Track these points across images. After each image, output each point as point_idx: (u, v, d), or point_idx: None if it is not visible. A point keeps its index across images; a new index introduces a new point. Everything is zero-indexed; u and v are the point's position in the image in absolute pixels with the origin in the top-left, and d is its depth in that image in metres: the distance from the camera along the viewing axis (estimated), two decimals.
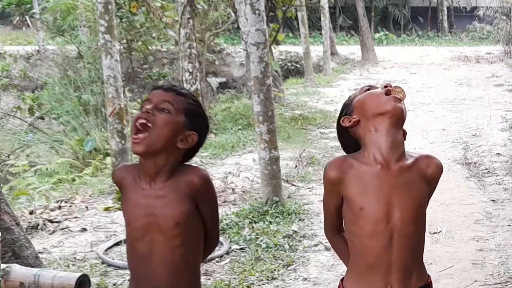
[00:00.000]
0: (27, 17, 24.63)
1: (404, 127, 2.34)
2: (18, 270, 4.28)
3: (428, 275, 2.43)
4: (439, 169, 2.34)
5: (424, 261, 2.44)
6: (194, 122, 2.39)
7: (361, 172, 2.27)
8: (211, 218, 2.48)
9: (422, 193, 2.31)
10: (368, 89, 2.35)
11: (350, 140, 2.39)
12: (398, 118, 2.26)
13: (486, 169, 8.17)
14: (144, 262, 2.37)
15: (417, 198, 2.29)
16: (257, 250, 5.47)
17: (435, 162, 2.34)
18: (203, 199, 2.40)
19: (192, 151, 2.45)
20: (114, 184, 2.51)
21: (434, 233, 5.95)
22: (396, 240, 2.26)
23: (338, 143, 2.58)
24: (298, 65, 19.71)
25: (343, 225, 2.41)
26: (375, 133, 2.26)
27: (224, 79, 18.20)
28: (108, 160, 8.74)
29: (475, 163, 8.46)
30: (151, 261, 2.35)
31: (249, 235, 5.82)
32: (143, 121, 2.29)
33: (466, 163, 8.49)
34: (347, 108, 2.40)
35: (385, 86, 2.29)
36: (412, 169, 2.29)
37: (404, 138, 2.33)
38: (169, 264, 2.35)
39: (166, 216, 2.32)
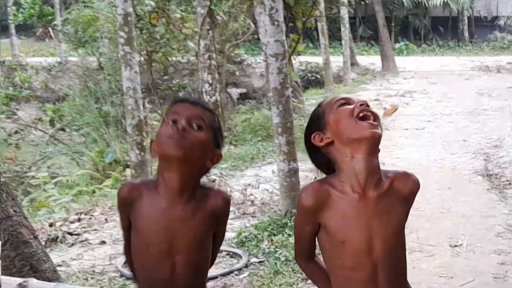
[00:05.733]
0: (49, 29, 24.87)
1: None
2: (35, 285, 4.25)
3: None
4: (416, 186, 2.26)
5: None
6: (217, 138, 2.35)
7: (339, 202, 2.17)
8: (221, 237, 2.46)
9: (401, 216, 2.23)
10: (343, 104, 2.21)
11: (322, 159, 2.27)
12: (375, 145, 2.16)
13: (507, 180, 8.08)
14: (164, 285, 2.30)
15: (396, 224, 2.21)
16: (276, 263, 5.44)
17: (411, 179, 2.26)
18: (222, 220, 2.38)
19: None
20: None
21: (455, 246, 5.90)
22: (380, 269, 2.18)
23: None
24: (318, 76, 19.64)
25: (321, 255, 2.31)
26: (352, 159, 2.15)
27: (244, 90, 18.17)
28: (128, 172, 8.76)
29: (496, 174, 8.38)
30: (173, 284, 2.29)
31: (268, 248, 5.80)
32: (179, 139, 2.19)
33: (487, 174, 8.42)
34: (318, 122, 2.25)
35: (361, 104, 2.17)
36: (389, 192, 2.20)
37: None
38: (189, 286, 2.31)
39: (190, 239, 2.27)
